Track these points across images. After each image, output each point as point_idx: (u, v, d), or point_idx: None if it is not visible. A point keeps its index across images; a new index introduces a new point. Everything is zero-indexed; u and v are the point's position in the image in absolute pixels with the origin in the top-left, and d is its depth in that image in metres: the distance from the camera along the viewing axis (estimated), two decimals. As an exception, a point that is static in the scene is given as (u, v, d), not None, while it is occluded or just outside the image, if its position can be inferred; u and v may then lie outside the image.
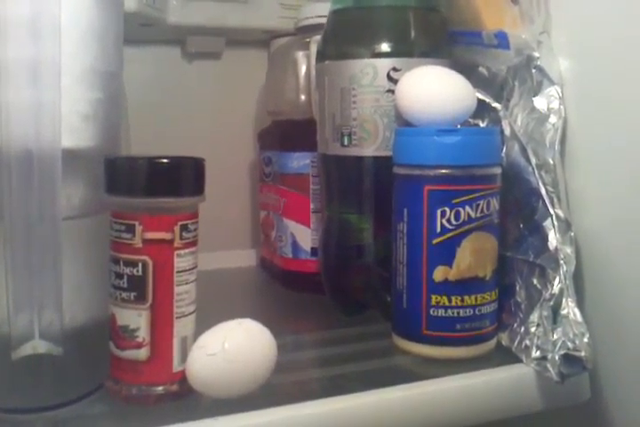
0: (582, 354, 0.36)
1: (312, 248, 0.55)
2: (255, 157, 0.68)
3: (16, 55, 0.32)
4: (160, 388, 0.34)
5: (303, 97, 0.54)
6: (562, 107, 0.44)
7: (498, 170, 0.41)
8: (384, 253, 0.44)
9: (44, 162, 0.33)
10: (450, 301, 0.39)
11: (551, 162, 0.43)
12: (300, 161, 0.54)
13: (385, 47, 0.45)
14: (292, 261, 0.56)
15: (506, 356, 0.40)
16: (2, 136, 0.32)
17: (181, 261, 0.35)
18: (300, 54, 0.55)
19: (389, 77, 0.44)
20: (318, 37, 0.51)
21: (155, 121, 0.63)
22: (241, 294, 0.58)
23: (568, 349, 0.36)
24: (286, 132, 0.57)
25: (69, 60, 0.34)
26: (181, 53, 0.68)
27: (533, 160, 0.43)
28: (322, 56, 0.48)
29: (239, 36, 0.68)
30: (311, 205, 0.55)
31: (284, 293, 0.56)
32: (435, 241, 0.39)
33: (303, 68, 0.55)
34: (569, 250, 0.40)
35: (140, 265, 0.34)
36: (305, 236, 0.55)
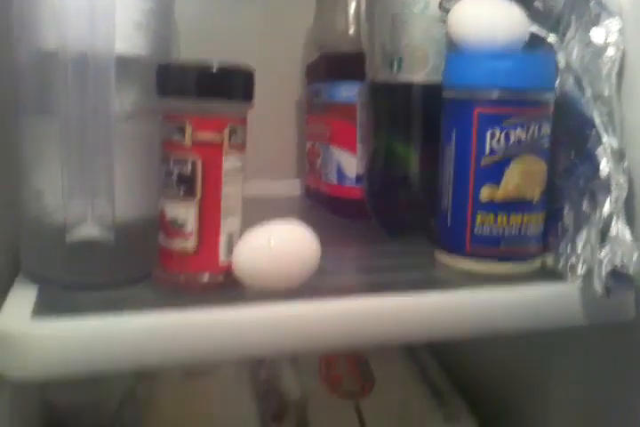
0: (630, 270, 0.35)
1: (357, 175, 0.55)
2: (302, 90, 0.68)
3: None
4: (206, 277, 0.34)
5: (352, 30, 0.54)
6: (621, 38, 0.43)
7: (550, 95, 0.41)
8: (429, 182, 0.44)
9: (98, 64, 0.33)
10: (495, 219, 0.39)
11: (607, 93, 0.42)
12: (347, 91, 0.54)
13: (438, -25, 0.44)
14: (337, 188, 0.56)
15: (551, 276, 0.39)
16: (58, 41, 0.33)
17: (229, 162, 0.35)
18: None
19: (442, 6, 0.44)
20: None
21: (203, 49, 0.64)
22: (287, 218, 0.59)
23: (615, 265, 0.35)
24: (335, 64, 0.57)
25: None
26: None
27: (589, 91, 0.42)
28: (374, -16, 0.48)
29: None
30: (358, 134, 0.54)
31: (330, 217, 0.56)
32: (483, 162, 0.39)
33: (352, 1, 0.54)
34: (621, 179, 0.39)
35: (189, 163, 0.34)
36: (350, 163, 0.55)
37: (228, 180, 0.35)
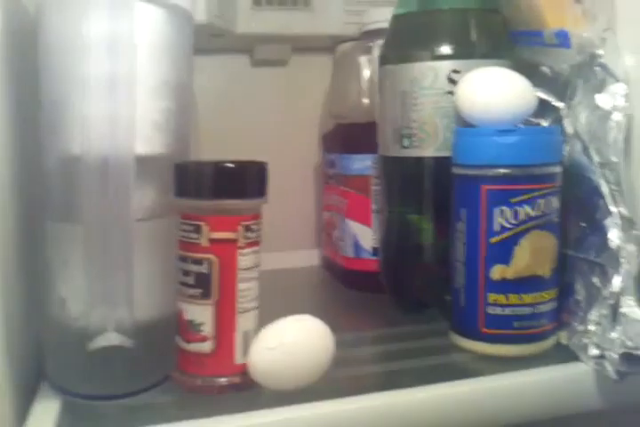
0: (643, 353, 0.35)
1: (373, 248, 0.56)
2: (319, 160, 0.69)
3: (95, 71, 0.35)
4: (223, 379, 0.36)
5: (366, 101, 0.55)
6: (627, 104, 0.43)
7: (558, 168, 0.41)
8: (444, 252, 0.44)
9: (118, 169, 0.35)
10: (507, 299, 0.39)
11: (615, 160, 0.43)
12: (361, 163, 0.55)
13: (445, 50, 0.45)
14: (353, 261, 0.57)
15: (565, 355, 0.40)
16: (82, 146, 0.35)
17: (244, 259, 0.37)
18: (363, 59, 0.56)
19: (450, 79, 0.45)
20: (381, 42, 0.52)
21: (224, 126, 0.66)
22: (303, 293, 0.60)
23: (627, 347, 0.36)
24: (348, 135, 0.59)
25: (144, 73, 0.37)
26: (249, 61, 0.71)
27: (596, 158, 0.42)
28: (384, 60, 0.49)
29: (305, 43, 0.69)
30: (372, 206, 0.56)
31: (345, 291, 0.57)
32: (493, 240, 0.40)
33: (366, 73, 0.56)
34: (632, 249, 0.40)
35: (206, 263, 0.36)
36: (366, 235, 0.56)
37: (243, 277, 0.36)
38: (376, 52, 0.54)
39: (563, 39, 0.44)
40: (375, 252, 0.55)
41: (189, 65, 0.45)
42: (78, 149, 0.35)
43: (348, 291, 0.57)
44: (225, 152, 0.62)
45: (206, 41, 0.62)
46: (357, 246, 0.56)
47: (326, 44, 0.70)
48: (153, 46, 0.39)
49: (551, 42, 0.45)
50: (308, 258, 0.68)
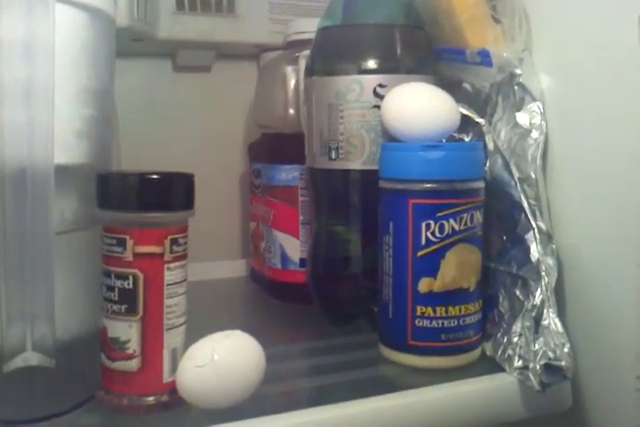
0: (563, 364, 0.37)
1: (300, 259, 0.55)
2: (245, 168, 0.69)
3: (10, 76, 0.33)
4: (150, 398, 0.34)
5: (292, 111, 0.55)
6: (543, 122, 0.45)
7: (481, 184, 0.42)
8: (371, 264, 0.45)
9: (36, 179, 0.34)
10: (435, 311, 0.40)
11: (533, 176, 0.44)
12: (288, 173, 0.55)
13: (371, 64, 0.46)
14: (281, 272, 0.57)
15: (490, 365, 0.41)
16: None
17: (171, 274, 0.36)
18: (289, 69, 0.56)
19: (376, 93, 0.45)
20: (307, 53, 0.52)
21: (145, 132, 0.64)
22: (230, 305, 0.59)
23: (549, 358, 0.37)
24: (275, 145, 0.58)
25: (63, 79, 0.35)
26: (172, 66, 0.69)
27: (516, 174, 0.44)
28: (310, 72, 0.49)
29: (229, 50, 0.69)
30: (300, 217, 0.55)
31: (272, 303, 0.57)
32: (420, 253, 0.40)
33: (292, 83, 0.56)
34: (551, 262, 0.41)
35: (130, 278, 0.35)
36: (294, 247, 0.56)
37: (170, 292, 0.35)
38: (302, 63, 0.54)
39: (485, 58, 0.46)
40: (302, 263, 0.55)
41: (111, 71, 0.44)
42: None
43: (276, 302, 0.56)
44: (146, 159, 0.61)
45: (127, 44, 0.60)
46: (285, 258, 0.56)
47: (251, 52, 0.69)
48: (73, 51, 0.38)
49: (474, 60, 0.47)
50: (235, 269, 0.67)
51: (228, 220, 0.69)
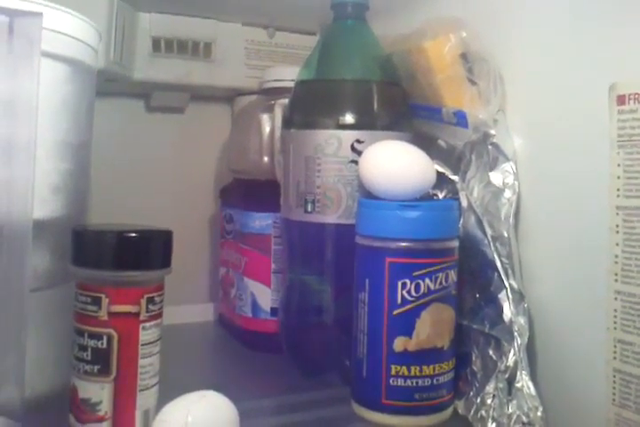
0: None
1: (272, 308, 0.55)
2: (216, 212, 0.68)
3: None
4: (122, 465, 0.34)
5: (266, 159, 0.55)
6: (516, 182, 0.46)
7: (456, 243, 0.43)
8: (343, 315, 0.45)
9: (13, 236, 0.33)
10: (409, 370, 0.40)
11: (506, 235, 0.45)
12: (262, 221, 0.55)
13: (349, 119, 0.46)
14: (251, 321, 0.56)
15: (462, 424, 0.41)
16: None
17: (146, 333, 0.35)
18: (264, 117, 0.57)
19: (353, 148, 0.46)
20: (283, 101, 0.53)
21: (116, 173, 0.64)
22: (200, 353, 0.58)
23: (522, 422, 0.37)
24: (248, 192, 0.58)
25: (42, 133, 0.34)
26: (145, 107, 0.69)
27: (489, 232, 0.45)
28: (288, 124, 0.49)
29: (204, 92, 0.69)
30: (272, 266, 0.55)
31: (243, 351, 0.56)
32: (395, 312, 0.41)
33: (267, 131, 0.56)
34: (522, 320, 0.42)
35: (105, 338, 0.34)
36: (265, 296, 0.55)
37: (145, 352, 0.35)
38: (278, 111, 0.55)
39: (461, 119, 0.47)
40: (274, 312, 0.54)
41: (90, 122, 0.44)
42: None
43: (245, 351, 0.56)
44: (116, 200, 0.60)
45: (101, 84, 0.60)
46: (256, 306, 0.55)
47: (225, 95, 0.70)
48: (54, 105, 0.37)
49: (450, 120, 0.48)
50: (202, 313, 0.66)
51: (197, 263, 0.68)
